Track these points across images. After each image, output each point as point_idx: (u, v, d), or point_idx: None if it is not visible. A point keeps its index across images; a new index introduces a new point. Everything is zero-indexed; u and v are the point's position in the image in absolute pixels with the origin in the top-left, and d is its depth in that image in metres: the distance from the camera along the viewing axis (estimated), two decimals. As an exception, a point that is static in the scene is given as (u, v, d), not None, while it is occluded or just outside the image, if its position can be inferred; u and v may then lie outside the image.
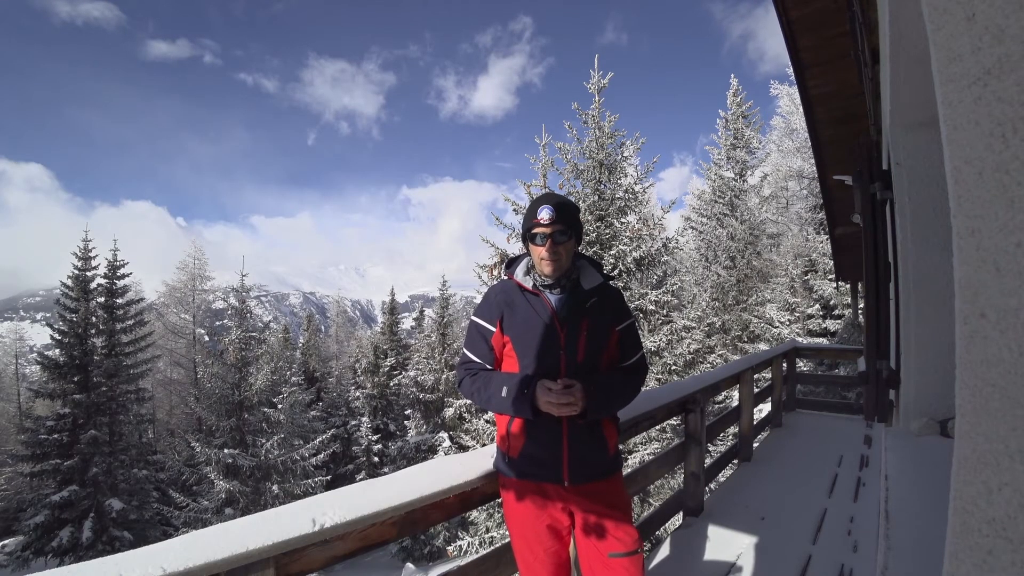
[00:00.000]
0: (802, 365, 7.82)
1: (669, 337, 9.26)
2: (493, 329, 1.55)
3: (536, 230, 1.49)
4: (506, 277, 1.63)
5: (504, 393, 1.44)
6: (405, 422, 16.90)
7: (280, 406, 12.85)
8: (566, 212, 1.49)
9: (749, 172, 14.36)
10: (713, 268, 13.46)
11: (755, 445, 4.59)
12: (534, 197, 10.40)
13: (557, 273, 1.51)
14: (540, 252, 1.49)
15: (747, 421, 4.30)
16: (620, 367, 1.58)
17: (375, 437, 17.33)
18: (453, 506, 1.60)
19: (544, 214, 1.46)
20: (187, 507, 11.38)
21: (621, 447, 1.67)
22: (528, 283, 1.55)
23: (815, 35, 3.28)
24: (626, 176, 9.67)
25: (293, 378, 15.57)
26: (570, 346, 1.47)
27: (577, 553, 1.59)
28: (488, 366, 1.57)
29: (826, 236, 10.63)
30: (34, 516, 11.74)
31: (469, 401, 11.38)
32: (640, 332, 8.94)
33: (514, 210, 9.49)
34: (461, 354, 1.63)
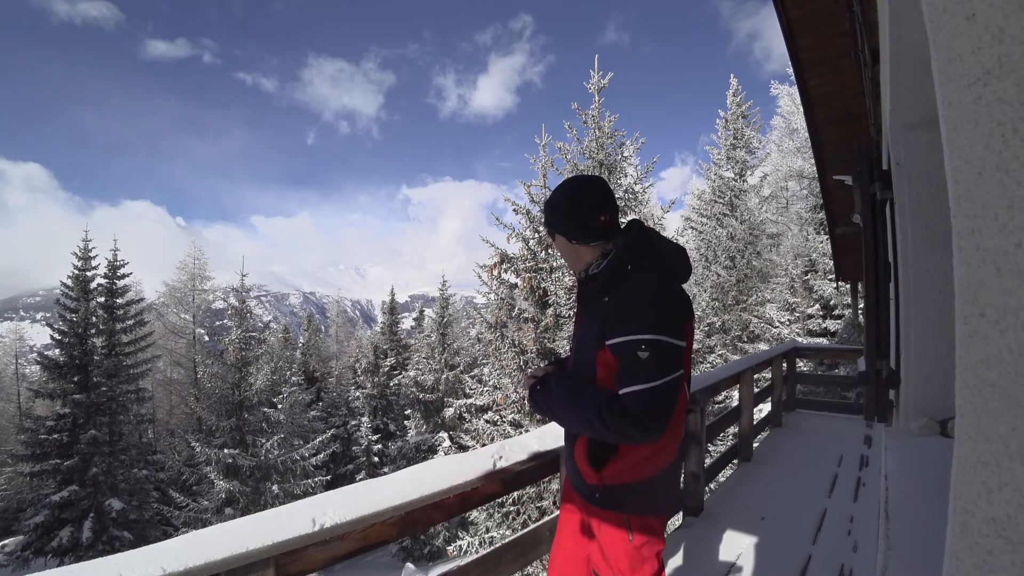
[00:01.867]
0: (802, 365, 7.82)
1: (669, 337, 9.25)
2: None
3: None
4: None
5: None
6: (405, 422, 16.91)
7: (280, 406, 12.85)
8: (544, 212, 1.40)
9: (749, 172, 14.36)
10: (713, 268, 13.45)
11: (755, 445, 4.59)
12: (534, 197, 10.31)
13: (572, 269, 1.41)
14: None
15: (747, 421, 4.31)
16: (613, 392, 1.18)
17: (375, 437, 17.33)
18: (453, 506, 1.60)
19: None
20: (187, 507, 11.39)
21: (605, 493, 1.31)
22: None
23: (815, 35, 3.28)
24: (626, 176, 9.68)
25: (293, 378, 15.58)
26: (572, 349, 1.38)
27: None
28: None
29: (826, 236, 10.63)
30: (34, 516, 11.75)
31: (470, 400, 11.31)
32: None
33: (514, 210, 9.49)
34: None
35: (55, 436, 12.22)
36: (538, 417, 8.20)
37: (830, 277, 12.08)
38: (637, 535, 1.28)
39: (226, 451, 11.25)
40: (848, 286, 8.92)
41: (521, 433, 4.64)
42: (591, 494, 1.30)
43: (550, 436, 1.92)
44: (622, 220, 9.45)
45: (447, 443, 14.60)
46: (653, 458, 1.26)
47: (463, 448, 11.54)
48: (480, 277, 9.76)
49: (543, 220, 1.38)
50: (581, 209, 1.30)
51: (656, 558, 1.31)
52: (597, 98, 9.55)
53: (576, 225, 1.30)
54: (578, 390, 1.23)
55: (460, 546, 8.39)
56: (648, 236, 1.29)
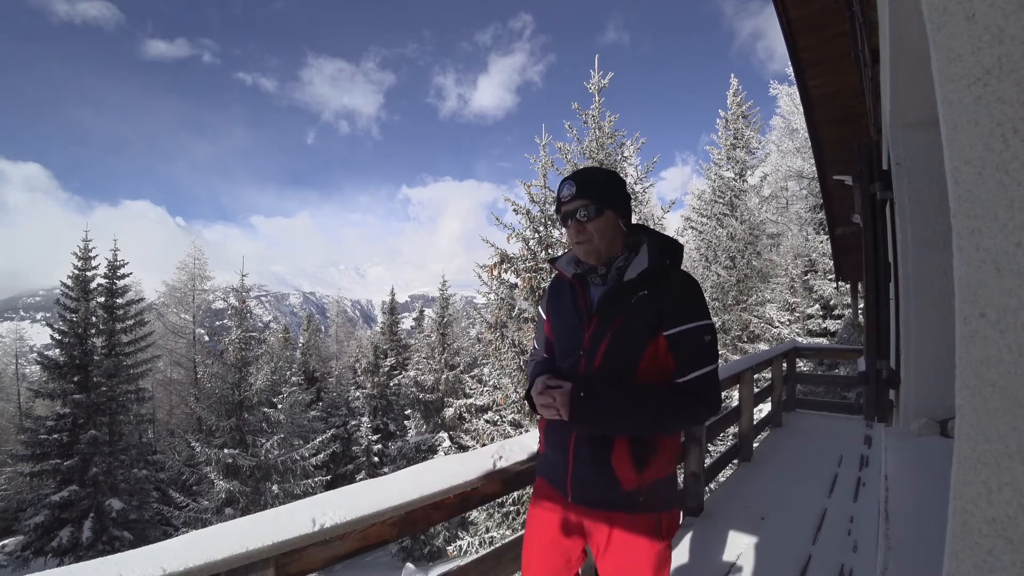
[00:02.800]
0: (802, 365, 7.82)
1: (669, 337, 9.25)
2: (545, 319, 1.48)
3: (562, 210, 1.32)
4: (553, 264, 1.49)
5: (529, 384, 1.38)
6: (405, 422, 16.91)
7: (280, 406, 12.86)
8: (591, 183, 1.27)
9: (749, 172, 14.36)
10: (713, 268, 13.45)
11: (755, 445, 4.59)
12: (534, 197, 10.33)
13: (592, 256, 1.30)
14: (568, 235, 1.32)
15: (747, 421, 4.30)
16: (669, 383, 1.23)
17: (375, 437, 17.33)
18: (453, 506, 1.60)
19: (565, 191, 1.28)
20: (187, 507, 11.38)
21: (644, 495, 1.29)
22: (569, 271, 1.37)
23: (815, 35, 3.28)
24: (626, 176, 9.68)
25: (293, 378, 15.58)
26: (592, 348, 1.27)
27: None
28: (546, 354, 1.49)
29: (826, 236, 10.64)
30: (34, 516, 11.74)
31: (470, 400, 11.32)
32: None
33: (514, 210, 9.49)
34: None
35: (55, 436, 12.21)
36: (537, 417, 8.18)
37: (830, 277, 12.08)
38: (666, 533, 1.30)
39: (226, 451, 11.25)
40: (848, 286, 8.92)
41: (521, 433, 4.64)
42: (632, 501, 1.26)
43: (550, 436, 1.92)
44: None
45: (447, 443, 14.60)
46: (679, 447, 1.34)
47: (463, 448, 11.54)
48: (480, 277, 9.76)
49: (585, 192, 1.27)
50: (629, 197, 1.35)
51: (670, 549, 1.34)
52: (597, 98, 9.55)
53: (629, 209, 1.34)
54: (636, 390, 1.21)
55: (460, 546, 8.39)
56: (670, 237, 1.36)
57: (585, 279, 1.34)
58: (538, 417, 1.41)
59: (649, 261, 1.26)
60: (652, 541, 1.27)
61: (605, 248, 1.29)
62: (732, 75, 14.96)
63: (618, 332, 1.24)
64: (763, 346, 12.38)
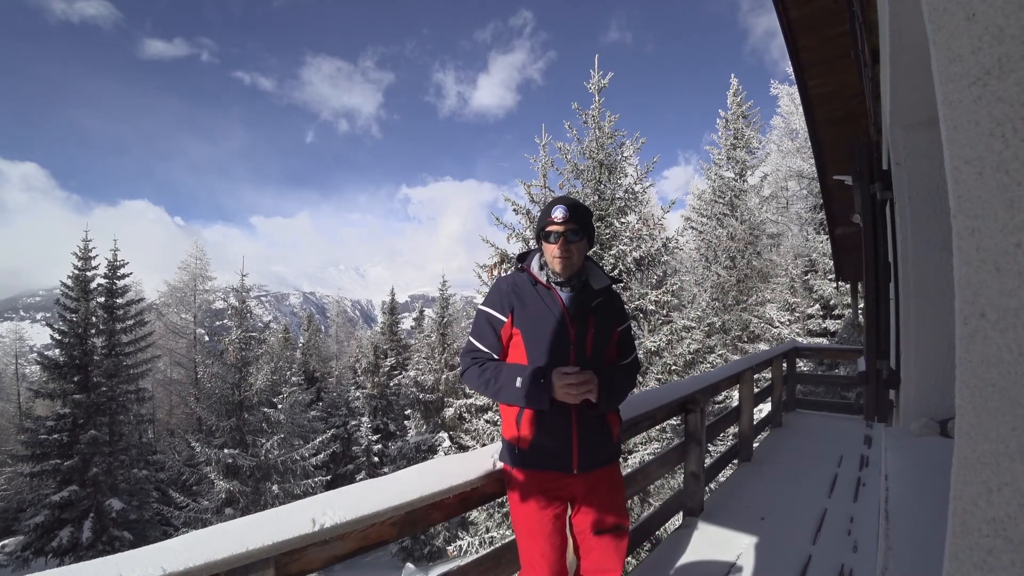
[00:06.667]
0: (802, 365, 7.81)
1: (669, 337, 9.25)
2: (504, 319, 1.57)
3: (550, 228, 1.54)
4: (521, 269, 1.66)
5: (518, 384, 1.46)
6: (405, 422, 16.90)
7: (280, 406, 12.84)
8: (580, 213, 1.55)
9: (749, 172, 14.35)
10: (713, 268, 13.44)
11: (755, 445, 4.59)
12: (534, 197, 10.32)
13: (568, 271, 1.56)
14: (553, 250, 1.54)
15: (747, 421, 4.30)
16: (619, 365, 1.68)
17: (375, 437, 17.33)
18: (453, 506, 1.60)
19: (558, 213, 1.52)
20: (187, 507, 11.38)
21: (622, 447, 1.81)
22: (543, 277, 1.60)
23: (815, 35, 3.28)
24: (626, 176, 9.67)
25: (293, 378, 15.56)
26: (580, 341, 1.54)
27: (572, 533, 1.65)
28: (495, 356, 1.59)
29: (826, 236, 10.63)
30: (34, 516, 11.74)
31: (470, 400, 11.32)
32: (640, 332, 8.94)
33: (514, 210, 9.48)
34: (467, 342, 1.64)
35: (55, 436, 12.21)
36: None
37: (830, 277, 12.08)
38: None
39: (226, 451, 11.24)
40: (848, 286, 8.91)
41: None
42: (616, 451, 1.67)
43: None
44: (619, 222, 9.36)
45: (447, 443, 14.59)
46: None
47: (463, 448, 11.54)
48: (480, 277, 9.75)
49: (576, 218, 1.54)
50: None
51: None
52: (597, 98, 9.55)
53: (594, 240, 1.68)
54: (616, 371, 1.62)
55: (460, 546, 8.38)
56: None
57: (554, 285, 1.59)
58: (519, 415, 1.53)
59: (609, 279, 1.66)
60: (621, 476, 1.72)
61: (574, 267, 1.57)
62: (732, 75, 14.97)
63: (597, 328, 1.57)
64: (763, 346, 12.38)
